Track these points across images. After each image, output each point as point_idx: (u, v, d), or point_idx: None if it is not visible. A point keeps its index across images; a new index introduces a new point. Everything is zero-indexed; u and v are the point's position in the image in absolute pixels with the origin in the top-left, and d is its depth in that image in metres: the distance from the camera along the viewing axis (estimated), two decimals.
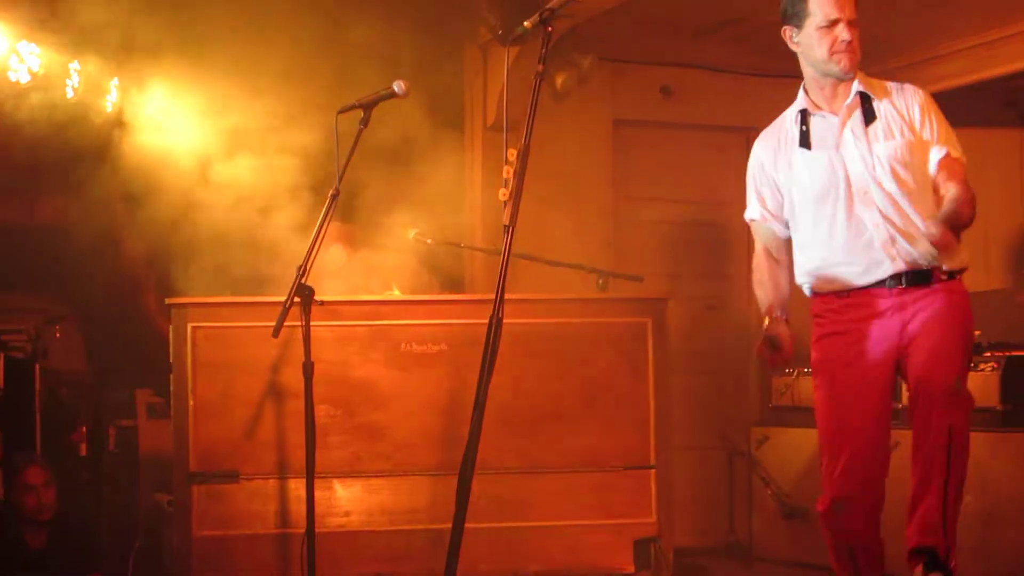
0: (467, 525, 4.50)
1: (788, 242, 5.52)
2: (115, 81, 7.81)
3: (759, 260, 5.62)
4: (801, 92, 5.37)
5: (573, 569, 7.09)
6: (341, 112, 6.18)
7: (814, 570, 8.56)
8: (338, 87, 6.87)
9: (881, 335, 5.22)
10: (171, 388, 6.91)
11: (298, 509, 6.61)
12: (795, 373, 9.02)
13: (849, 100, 5.21)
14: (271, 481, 6.85)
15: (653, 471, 7.23)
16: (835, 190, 5.17)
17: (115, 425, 7.68)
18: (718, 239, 10.18)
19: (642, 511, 7.20)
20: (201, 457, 6.84)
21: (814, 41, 5.19)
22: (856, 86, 5.21)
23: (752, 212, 5.57)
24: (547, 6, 4.74)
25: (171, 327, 6.90)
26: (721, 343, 10.08)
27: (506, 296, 4.56)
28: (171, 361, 6.89)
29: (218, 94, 7.62)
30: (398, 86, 6.28)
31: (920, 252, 5.00)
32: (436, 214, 7.79)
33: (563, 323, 7.22)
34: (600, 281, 7.80)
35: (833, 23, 5.13)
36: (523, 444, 7.04)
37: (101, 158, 7.71)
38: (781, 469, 8.93)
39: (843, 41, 5.12)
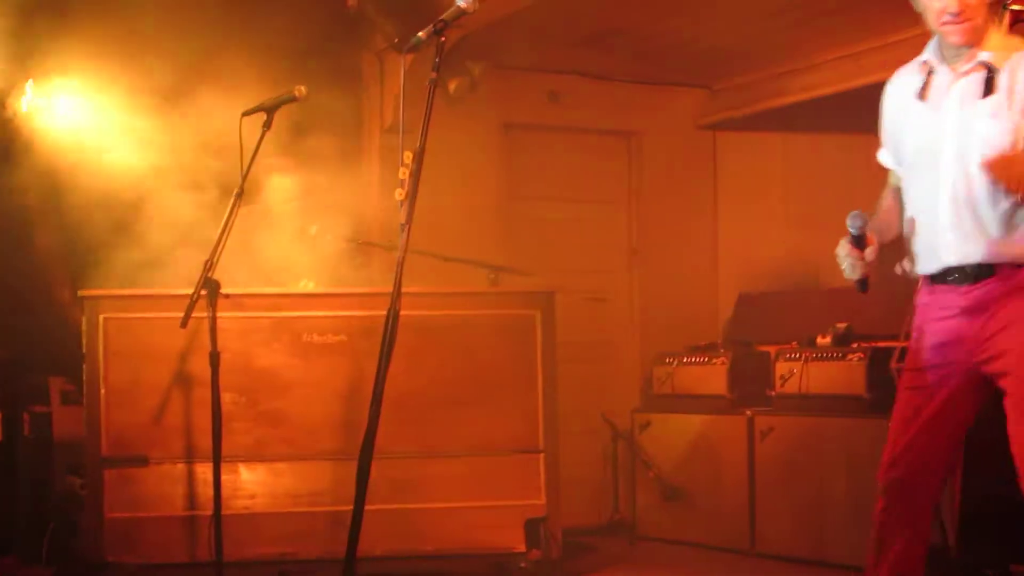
0: (366, 507, 4.53)
1: None
2: (30, 81, 7.75)
3: (884, 192, 4.98)
4: (933, 40, 4.66)
5: (467, 548, 7.15)
6: (245, 115, 6.21)
7: (692, 547, 8.70)
8: (243, 89, 6.85)
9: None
10: (84, 376, 6.92)
11: (205, 492, 6.64)
12: (674, 363, 9.13)
13: (969, 66, 4.50)
14: (179, 465, 6.87)
15: (542, 455, 7.32)
16: (929, 155, 4.57)
17: (29, 411, 7.62)
18: (602, 236, 10.28)
19: (532, 493, 7.29)
20: (112, 442, 6.85)
21: (923, 8, 4.54)
22: (981, 55, 4.47)
23: (880, 156, 4.94)
24: (440, 17, 4.78)
25: (84, 318, 6.90)
26: (605, 334, 10.17)
27: (403, 289, 4.61)
28: (84, 350, 6.90)
29: (126, 93, 7.58)
30: (299, 90, 6.33)
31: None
32: (336, 212, 7.80)
33: (457, 315, 7.30)
34: (491, 275, 7.87)
35: None
36: (419, 430, 7.10)
37: (13, 154, 7.67)
38: (662, 453, 9.04)
39: (949, 13, 4.43)
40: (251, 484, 6.94)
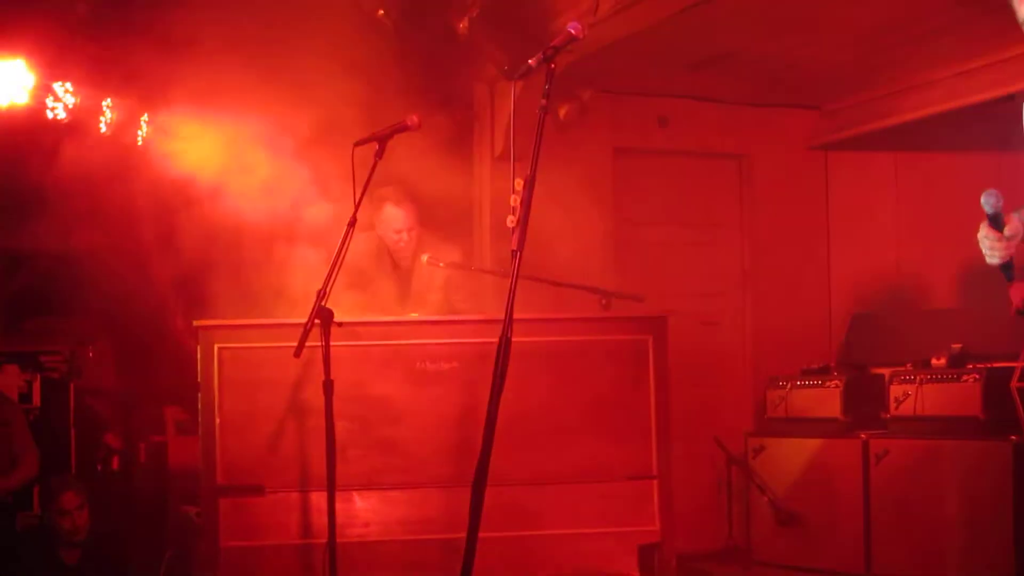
0: (480, 534, 4.47)
1: None
2: (145, 116, 7.80)
3: None
4: None
5: (581, 574, 7.05)
6: (357, 144, 6.17)
7: (809, 573, 8.55)
8: (355, 120, 6.83)
9: None
10: (199, 405, 6.89)
11: (320, 520, 6.55)
12: (787, 386, 8.99)
13: None
14: (294, 494, 6.81)
15: (655, 480, 7.19)
16: None
17: (146, 440, 7.66)
18: (713, 259, 10.17)
19: (645, 519, 7.16)
20: (227, 471, 6.81)
21: None
22: None
23: None
24: (550, 44, 4.72)
25: (199, 347, 6.89)
26: (718, 357, 10.06)
27: (514, 316, 4.53)
28: (199, 380, 6.87)
29: (240, 125, 7.60)
30: (411, 119, 6.28)
31: None
32: (448, 239, 7.77)
33: (568, 341, 7.19)
34: (603, 301, 7.77)
35: None
36: (532, 456, 6.99)
37: (130, 188, 7.71)
38: (776, 477, 8.91)
39: None
40: (365, 512, 6.87)
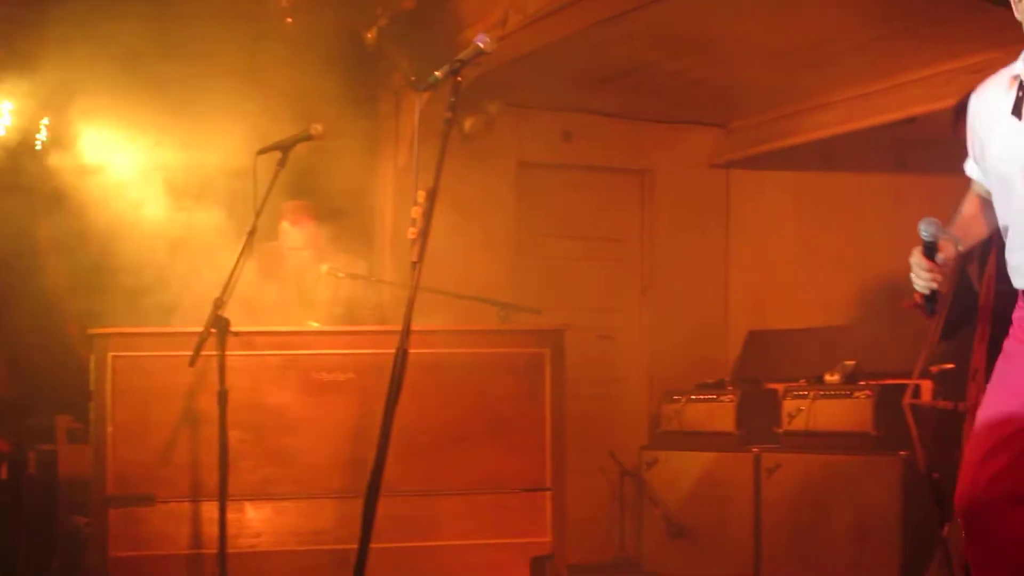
0: (372, 545, 4.48)
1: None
2: (45, 120, 7.70)
3: (966, 197, 4.68)
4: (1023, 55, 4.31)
5: None
6: (260, 153, 6.17)
7: None
8: (257, 128, 6.80)
9: None
10: (91, 414, 6.82)
11: (211, 530, 6.51)
12: (682, 400, 9.06)
13: None
14: (185, 504, 6.74)
15: (549, 492, 7.22)
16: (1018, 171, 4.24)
17: (35, 449, 7.55)
18: (613, 273, 10.22)
19: (538, 530, 7.19)
20: (118, 480, 6.73)
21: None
22: None
23: (968, 168, 4.61)
24: (458, 57, 4.74)
25: (92, 356, 6.81)
26: (615, 371, 10.11)
27: (412, 327, 4.55)
28: (91, 388, 6.80)
29: (140, 131, 7.53)
30: (315, 129, 6.27)
31: None
32: (348, 250, 7.75)
33: (466, 353, 7.20)
34: (501, 313, 7.79)
35: None
36: (426, 467, 6.99)
37: (23, 193, 7.61)
38: (669, 490, 8.96)
39: None
40: (257, 522, 6.83)
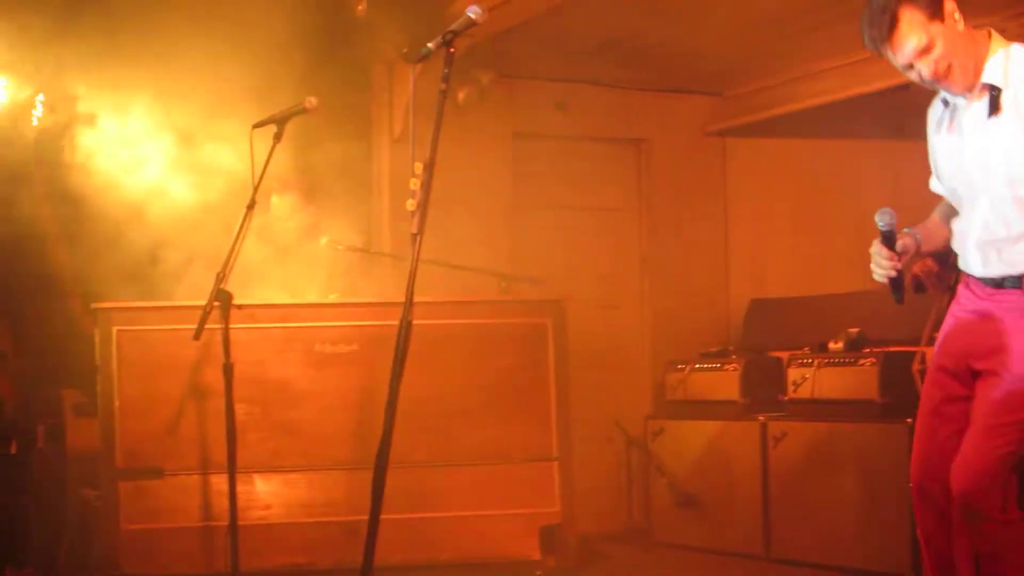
0: (382, 516, 4.51)
1: None
2: (41, 96, 7.74)
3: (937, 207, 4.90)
4: None
5: (483, 557, 7.13)
6: (256, 127, 6.21)
7: (707, 553, 8.67)
8: (252, 102, 6.84)
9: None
10: (97, 388, 6.90)
11: (220, 503, 6.59)
12: (686, 369, 9.10)
13: (975, 91, 4.42)
14: (194, 476, 6.84)
15: (555, 462, 7.30)
16: (963, 185, 4.53)
17: (44, 423, 7.60)
18: (612, 243, 10.24)
19: (546, 500, 7.27)
20: (127, 454, 6.83)
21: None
22: (984, 77, 4.40)
23: (931, 184, 4.84)
24: (450, 27, 4.76)
25: (97, 330, 6.88)
26: (617, 341, 10.11)
27: (415, 299, 4.59)
28: (97, 363, 6.88)
29: (138, 106, 7.57)
30: (309, 102, 6.32)
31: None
32: (347, 222, 7.79)
33: (468, 324, 7.27)
34: (502, 284, 7.84)
35: (908, 67, 4.40)
36: (433, 439, 7.07)
37: (27, 168, 7.66)
38: (675, 459, 9.00)
39: (929, 80, 4.40)
40: (266, 495, 6.91)
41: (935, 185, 4.81)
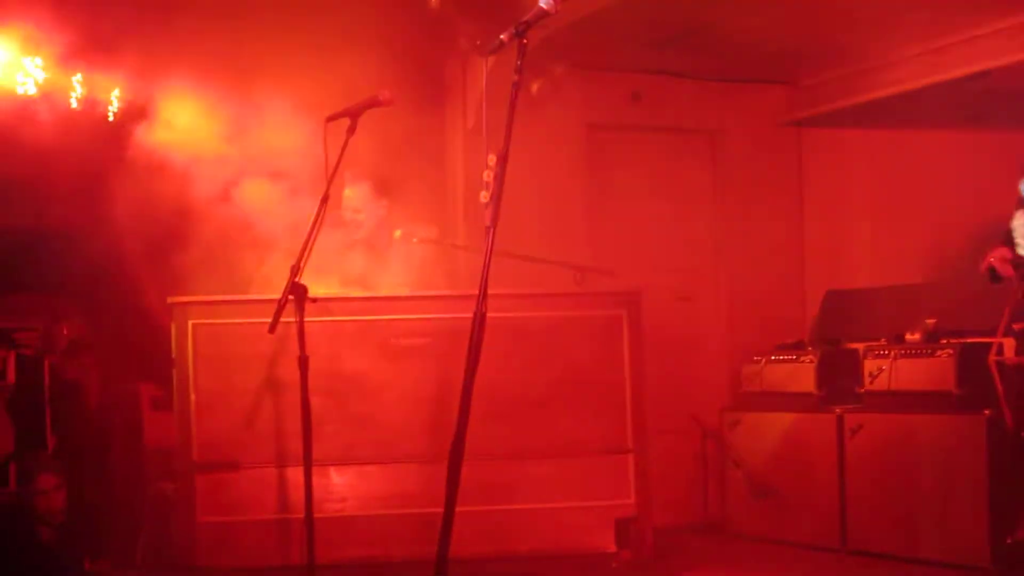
0: (457, 509, 4.51)
1: None
2: (116, 92, 7.81)
3: None
4: None
5: (558, 549, 7.13)
6: (329, 120, 6.22)
7: (784, 545, 8.63)
8: (326, 96, 6.86)
9: None
10: (174, 382, 6.97)
11: (296, 495, 6.64)
12: (762, 361, 9.06)
13: None
14: (270, 469, 6.90)
15: (631, 455, 7.29)
16: None
17: (121, 417, 7.69)
18: (686, 234, 10.22)
19: (622, 493, 7.26)
20: (203, 447, 6.90)
21: None
22: None
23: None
24: (522, 19, 4.75)
25: (173, 324, 6.95)
26: (693, 332, 10.09)
27: (489, 291, 4.58)
28: (173, 356, 6.95)
29: (212, 100, 7.62)
30: (383, 95, 6.33)
31: None
32: (421, 215, 7.81)
33: (543, 316, 7.27)
34: (577, 276, 7.82)
35: None
36: (508, 432, 7.07)
37: (103, 164, 7.72)
38: (752, 451, 8.98)
39: None
40: (342, 487, 6.96)
41: None
